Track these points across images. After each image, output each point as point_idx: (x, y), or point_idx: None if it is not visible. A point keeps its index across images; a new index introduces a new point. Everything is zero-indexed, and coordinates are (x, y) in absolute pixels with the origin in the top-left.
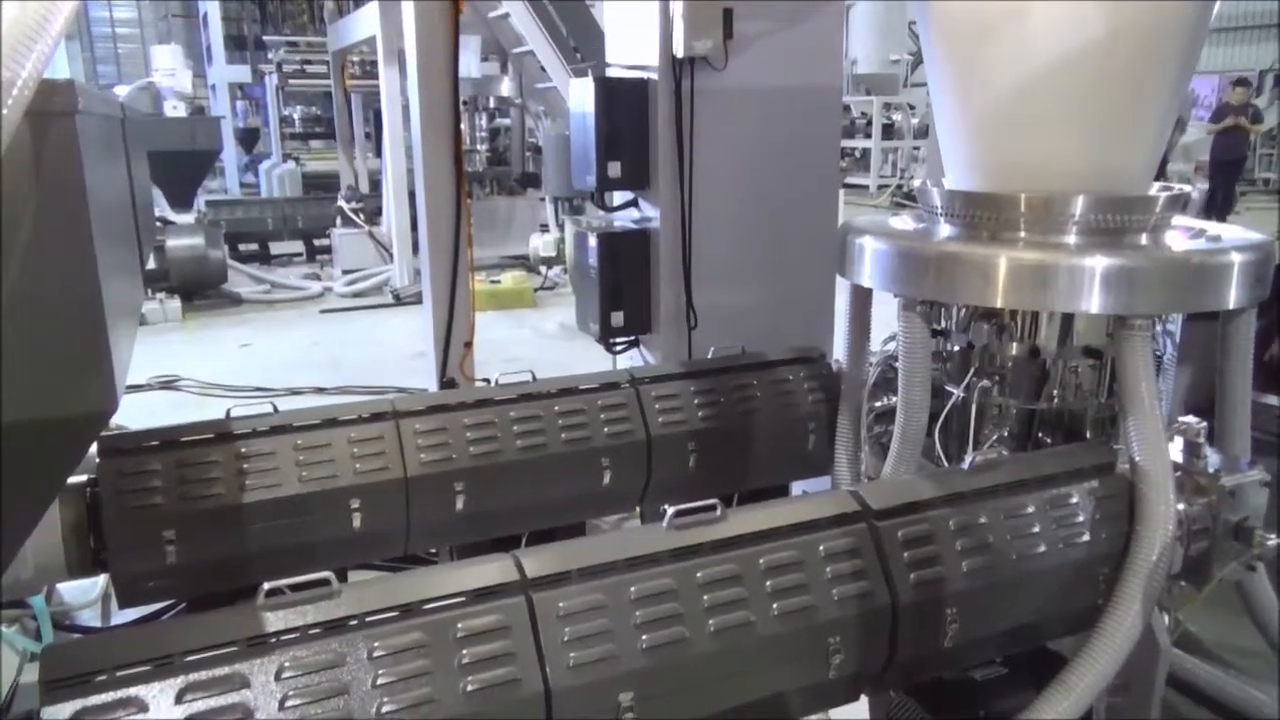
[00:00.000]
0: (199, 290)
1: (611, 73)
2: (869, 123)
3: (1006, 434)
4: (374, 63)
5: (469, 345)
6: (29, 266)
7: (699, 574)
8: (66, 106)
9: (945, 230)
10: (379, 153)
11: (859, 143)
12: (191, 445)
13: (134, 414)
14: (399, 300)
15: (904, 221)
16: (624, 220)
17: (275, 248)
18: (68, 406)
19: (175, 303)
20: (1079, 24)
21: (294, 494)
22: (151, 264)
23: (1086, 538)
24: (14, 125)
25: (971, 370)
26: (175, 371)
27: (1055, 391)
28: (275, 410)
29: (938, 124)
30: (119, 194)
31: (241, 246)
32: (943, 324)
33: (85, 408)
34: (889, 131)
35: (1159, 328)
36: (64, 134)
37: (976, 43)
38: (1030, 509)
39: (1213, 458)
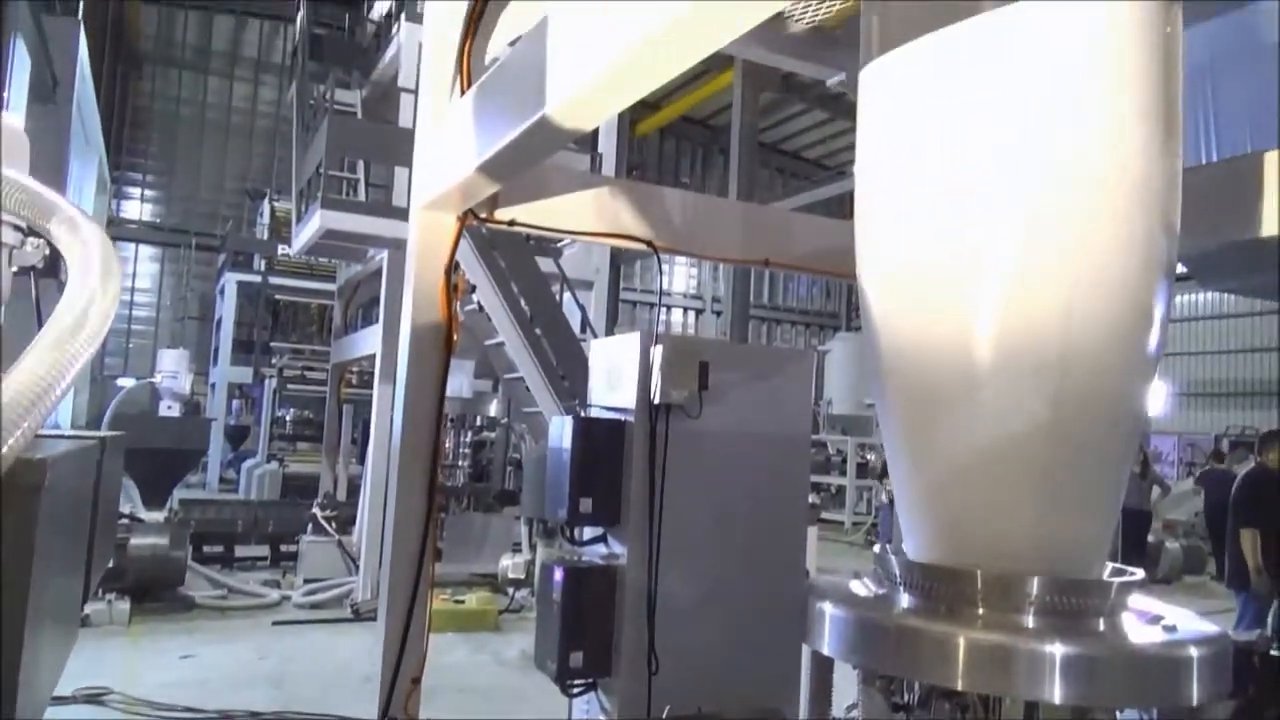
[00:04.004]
0: (153, 591)
1: (592, 412)
2: (844, 460)
3: None
4: (371, 374)
5: (416, 681)
6: None
7: None
8: (33, 483)
9: (904, 600)
10: (363, 459)
11: (834, 479)
12: None
13: None
14: (358, 615)
15: (865, 586)
16: (592, 555)
17: (241, 550)
18: None
19: (125, 605)
20: (1024, 409)
21: None
22: (110, 562)
23: None
24: None
25: None
26: (107, 683)
27: None
28: None
29: (896, 493)
30: (78, 525)
31: (206, 548)
32: (904, 698)
33: None
34: (863, 470)
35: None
36: (24, 510)
37: (927, 419)
38: None
39: None
